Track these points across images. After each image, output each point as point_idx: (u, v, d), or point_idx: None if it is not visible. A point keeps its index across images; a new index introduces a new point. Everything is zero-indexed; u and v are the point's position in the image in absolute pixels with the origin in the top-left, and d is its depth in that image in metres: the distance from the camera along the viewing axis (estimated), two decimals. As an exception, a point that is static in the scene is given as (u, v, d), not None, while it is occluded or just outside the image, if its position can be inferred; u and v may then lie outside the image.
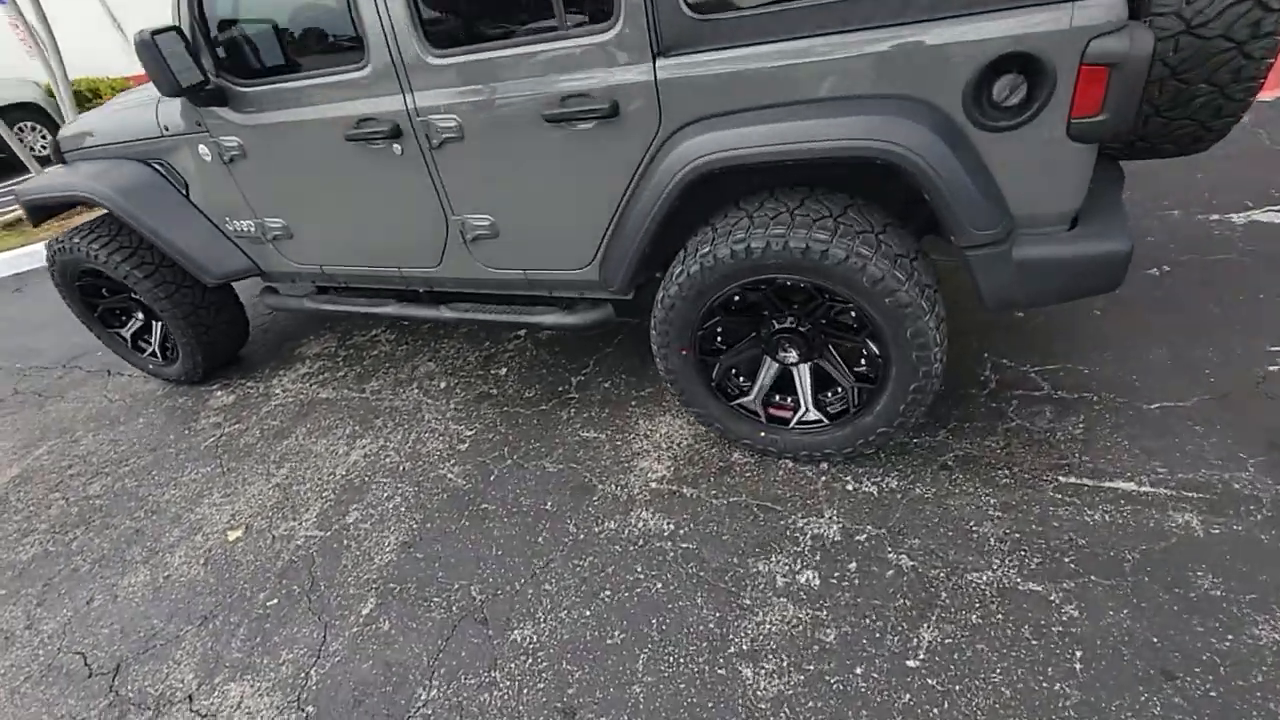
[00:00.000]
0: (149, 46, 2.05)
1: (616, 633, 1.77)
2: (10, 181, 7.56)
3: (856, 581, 1.76)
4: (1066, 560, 1.70)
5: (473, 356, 3.08)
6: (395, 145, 2.15)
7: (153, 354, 3.32)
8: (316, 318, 3.69)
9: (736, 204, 1.85)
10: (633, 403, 2.57)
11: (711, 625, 1.73)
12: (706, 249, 1.79)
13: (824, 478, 2.09)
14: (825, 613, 1.71)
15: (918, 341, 1.72)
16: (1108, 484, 1.87)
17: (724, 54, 1.64)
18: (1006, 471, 1.98)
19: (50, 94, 7.23)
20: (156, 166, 2.78)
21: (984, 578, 1.71)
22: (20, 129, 7.71)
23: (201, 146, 2.56)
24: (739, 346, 2.04)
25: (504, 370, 2.94)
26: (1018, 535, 1.79)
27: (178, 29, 2.16)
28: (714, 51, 1.65)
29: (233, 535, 2.37)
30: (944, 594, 1.69)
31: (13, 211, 6.34)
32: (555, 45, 1.80)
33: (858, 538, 1.88)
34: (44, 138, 7.92)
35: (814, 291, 1.80)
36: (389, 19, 1.93)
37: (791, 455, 2.13)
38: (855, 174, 1.76)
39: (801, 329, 1.93)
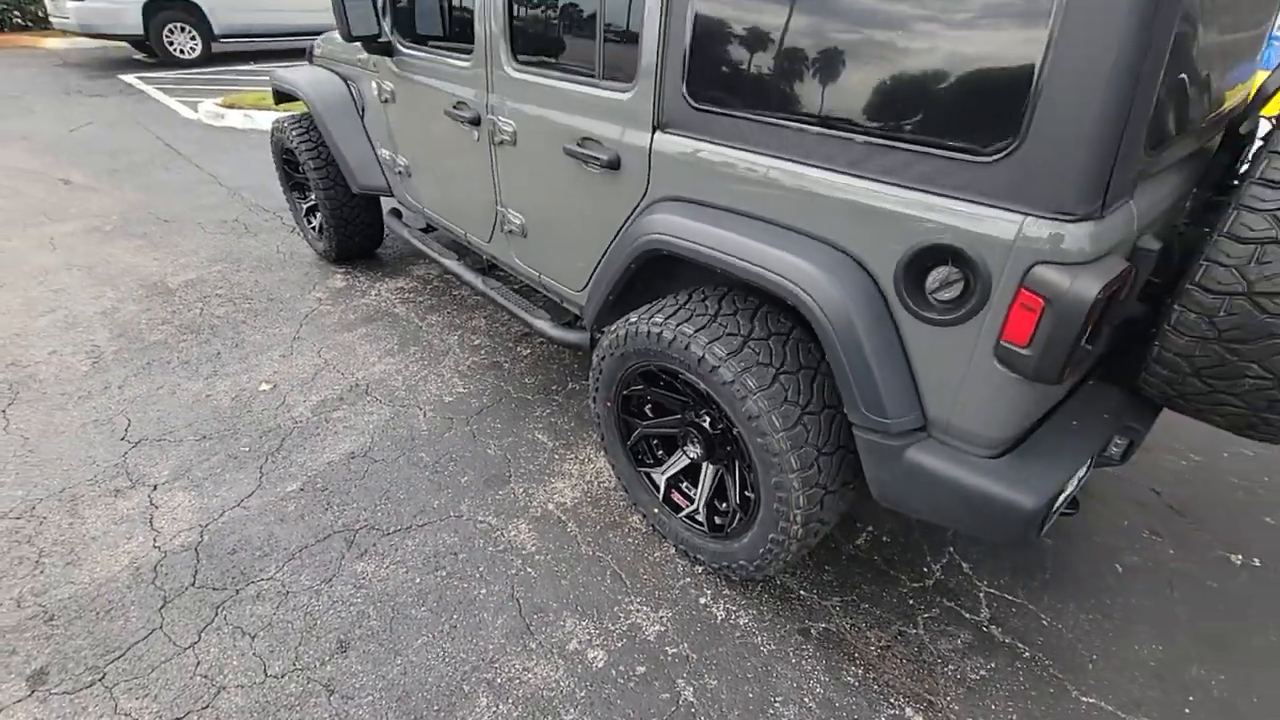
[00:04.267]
0: (337, 2, 2.54)
1: (423, 609, 1.93)
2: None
3: (631, 686, 1.74)
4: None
5: (514, 330, 3.36)
6: (474, 131, 2.44)
7: (313, 228, 4.09)
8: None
9: (691, 289, 1.86)
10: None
11: (490, 647, 1.83)
12: (635, 318, 1.83)
13: (688, 580, 2.03)
14: (582, 693, 1.71)
15: (778, 495, 1.61)
16: (950, 746, 1.61)
17: (705, 145, 1.66)
18: (860, 673, 1.78)
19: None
20: (350, 86, 3.41)
21: (742, 755, 1.59)
22: (170, 30, 9.59)
23: (373, 82, 3.10)
24: (660, 421, 2.04)
25: (527, 351, 3.19)
26: (810, 737, 1.62)
27: None
28: (699, 140, 1.67)
29: (264, 386, 2.92)
30: (692, 745, 1.61)
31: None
32: (588, 90, 1.93)
33: (668, 648, 1.83)
34: (192, 39, 9.80)
35: (713, 398, 1.76)
36: (492, 26, 2.19)
37: (674, 543, 2.10)
38: None
39: (710, 429, 1.88)
